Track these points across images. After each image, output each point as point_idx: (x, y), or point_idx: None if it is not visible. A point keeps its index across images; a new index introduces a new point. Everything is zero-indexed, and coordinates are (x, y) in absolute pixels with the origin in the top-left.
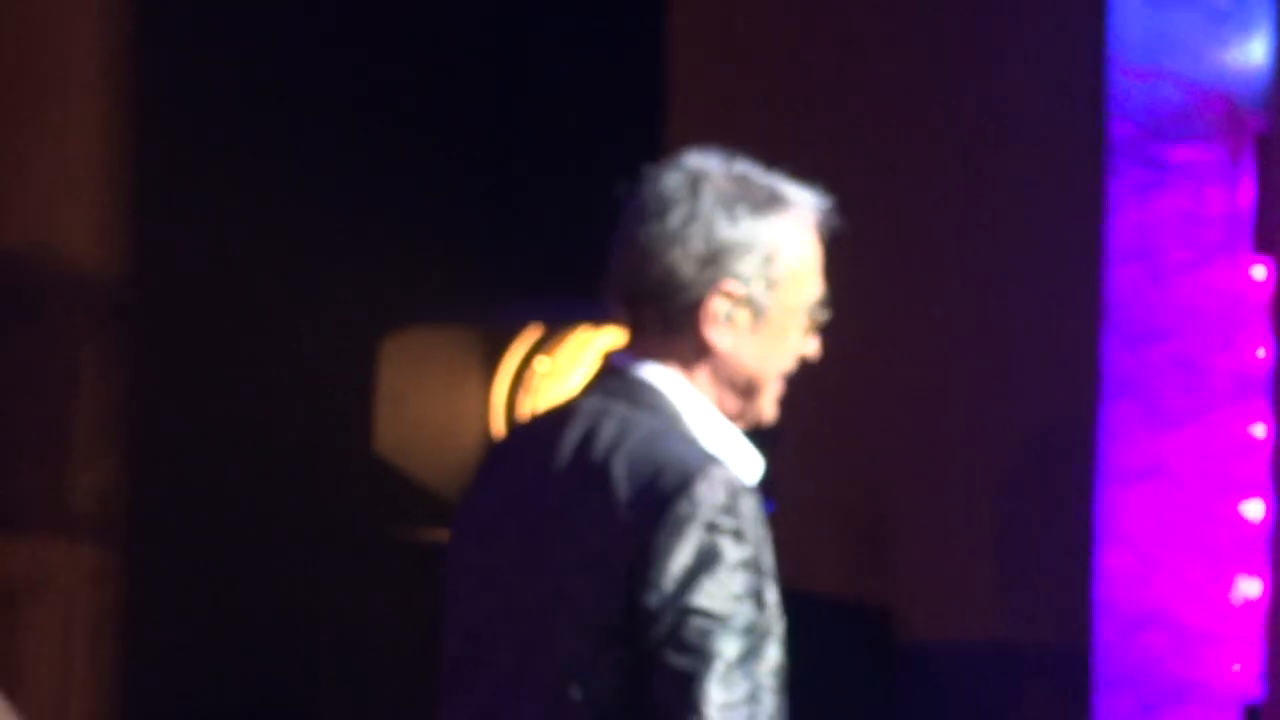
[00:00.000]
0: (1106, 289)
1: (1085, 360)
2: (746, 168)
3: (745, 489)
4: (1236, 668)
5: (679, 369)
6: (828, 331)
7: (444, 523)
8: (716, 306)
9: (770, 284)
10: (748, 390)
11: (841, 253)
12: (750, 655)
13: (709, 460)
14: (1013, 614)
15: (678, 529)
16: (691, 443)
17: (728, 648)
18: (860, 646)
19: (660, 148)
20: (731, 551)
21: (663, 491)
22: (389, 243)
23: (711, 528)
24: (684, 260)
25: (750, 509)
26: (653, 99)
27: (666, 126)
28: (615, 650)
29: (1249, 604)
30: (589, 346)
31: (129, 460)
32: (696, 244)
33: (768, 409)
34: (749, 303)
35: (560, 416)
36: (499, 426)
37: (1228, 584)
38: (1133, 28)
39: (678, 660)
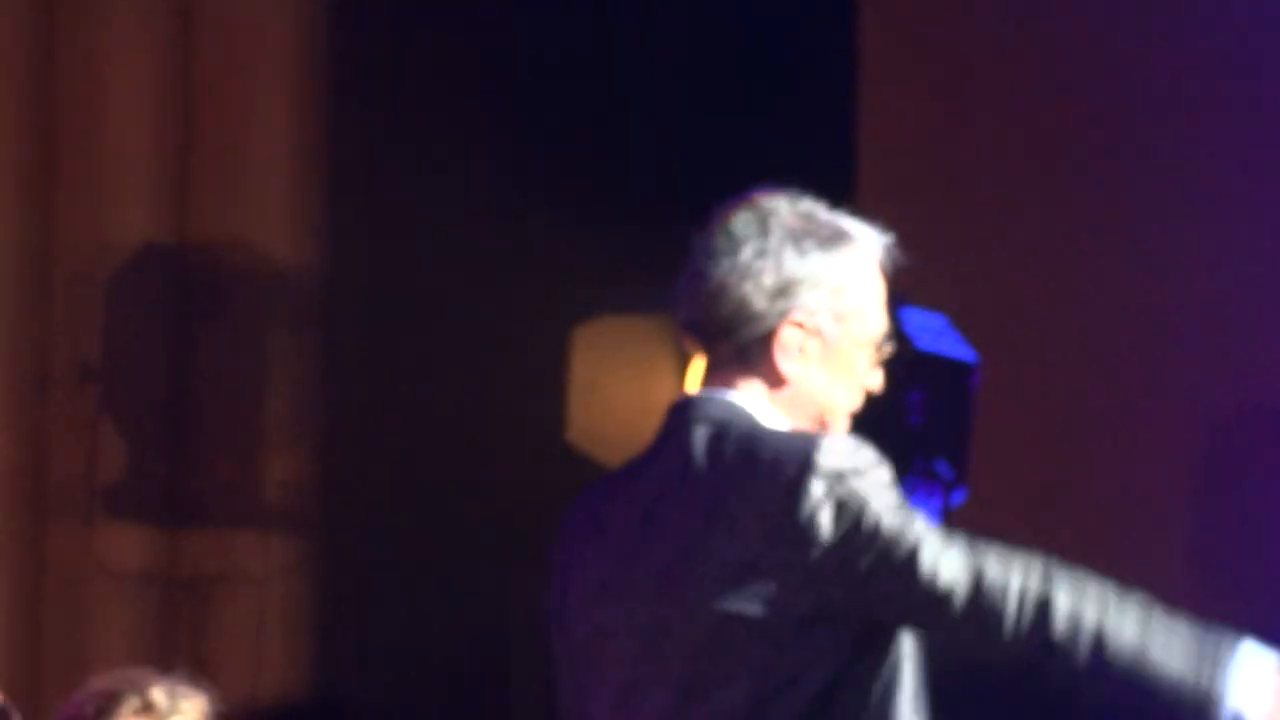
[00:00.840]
0: None
1: None
2: (812, 205)
3: (854, 443)
4: None
5: (756, 398)
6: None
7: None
8: (788, 337)
9: (838, 316)
10: (819, 421)
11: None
12: (937, 535)
13: (810, 437)
14: (1213, 605)
15: (817, 505)
16: (785, 432)
17: (924, 545)
18: None
19: (849, 146)
20: (867, 488)
21: (786, 478)
22: (579, 232)
23: (840, 480)
24: (756, 293)
25: (868, 457)
26: (844, 94)
27: (855, 126)
28: (814, 638)
29: None
30: None
31: (320, 452)
32: (768, 277)
33: None
34: (819, 333)
35: (639, 466)
36: None
37: None
38: None
39: (897, 584)
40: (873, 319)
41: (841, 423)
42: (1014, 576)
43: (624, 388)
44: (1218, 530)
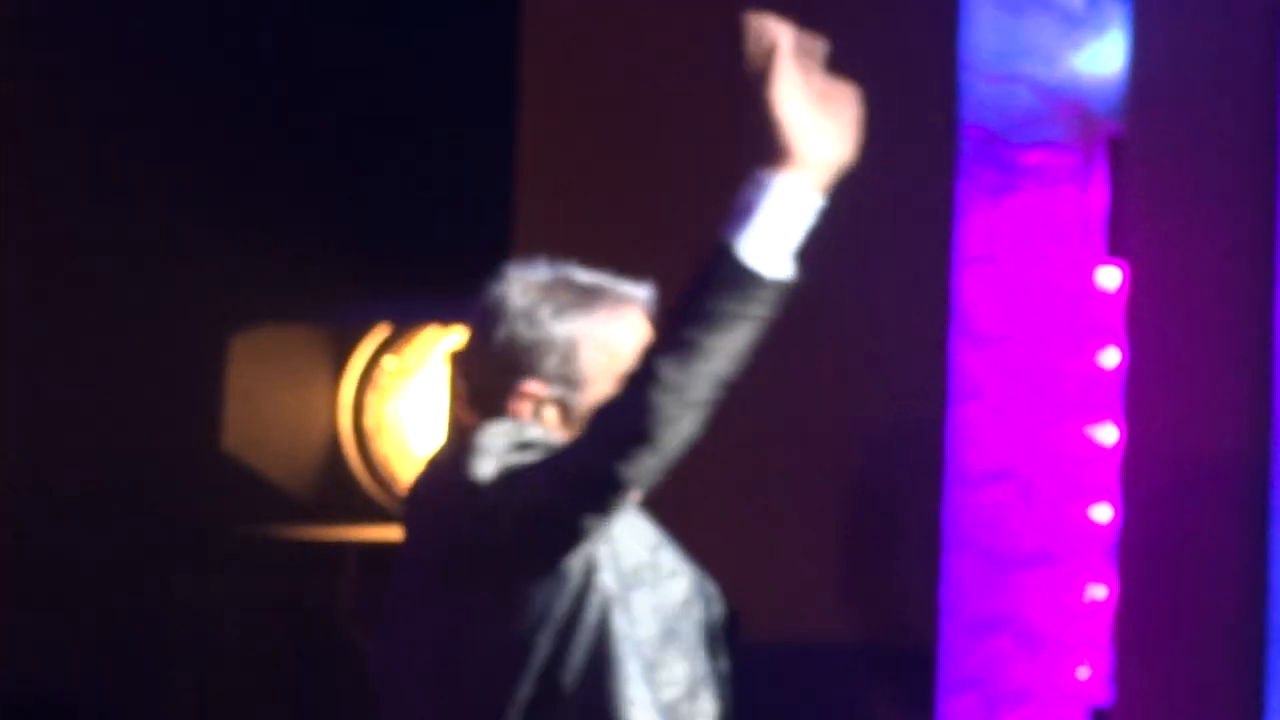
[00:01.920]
0: (955, 292)
1: (934, 363)
2: (569, 272)
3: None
4: (1084, 672)
5: None
6: None
7: (291, 519)
8: (519, 408)
9: (571, 383)
10: None
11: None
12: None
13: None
14: (859, 616)
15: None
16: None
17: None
18: None
19: (512, 144)
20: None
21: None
22: (237, 241)
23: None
24: (487, 369)
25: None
26: (505, 95)
27: (518, 123)
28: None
29: (1097, 607)
30: (437, 345)
31: None
32: (498, 351)
33: None
34: (555, 401)
35: None
36: (346, 424)
37: (1076, 589)
38: (985, 31)
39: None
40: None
41: None
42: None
43: (281, 396)
44: (866, 545)
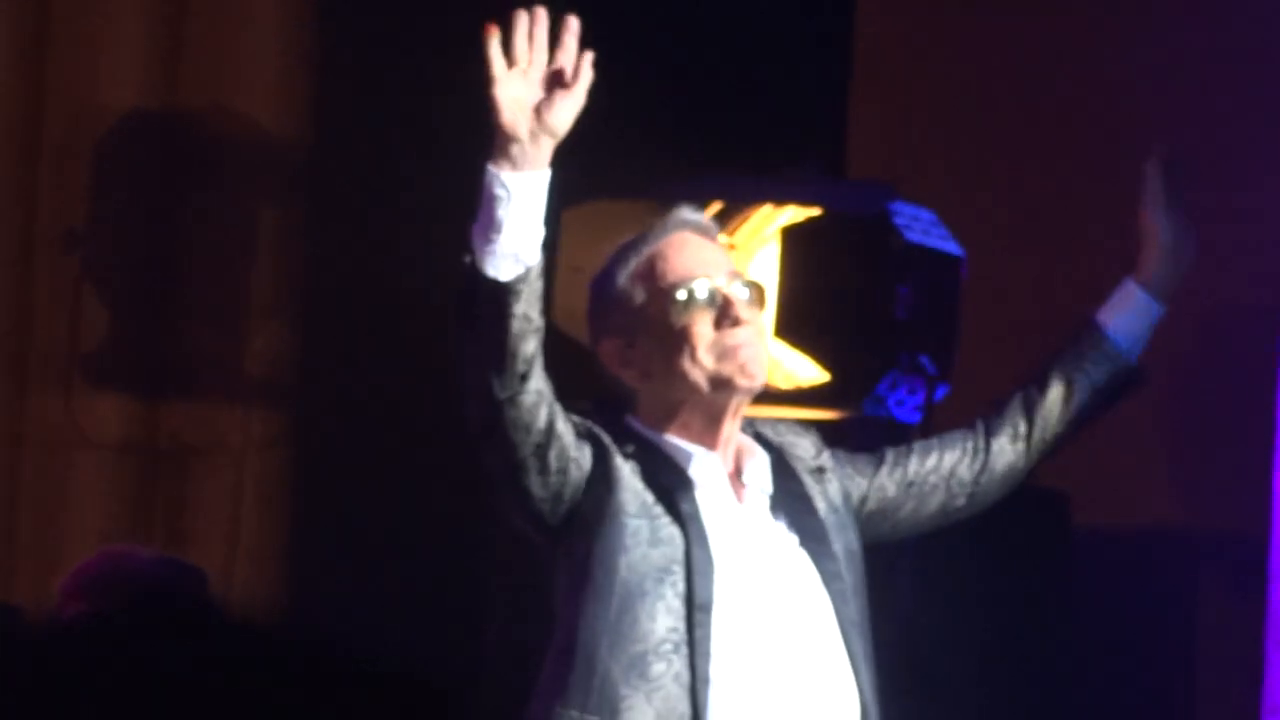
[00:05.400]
0: None
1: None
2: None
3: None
4: None
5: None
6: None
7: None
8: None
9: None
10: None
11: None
12: None
13: None
14: (1189, 498)
15: None
16: None
17: None
18: (1037, 530)
19: (848, 35)
20: None
21: None
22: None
23: None
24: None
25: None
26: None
27: (854, 9)
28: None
29: None
30: (770, 225)
31: (303, 326)
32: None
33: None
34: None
35: None
36: None
37: None
38: None
39: None
40: (676, 294)
41: (710, 389)
42: None
43: None
44: (1196, 428)
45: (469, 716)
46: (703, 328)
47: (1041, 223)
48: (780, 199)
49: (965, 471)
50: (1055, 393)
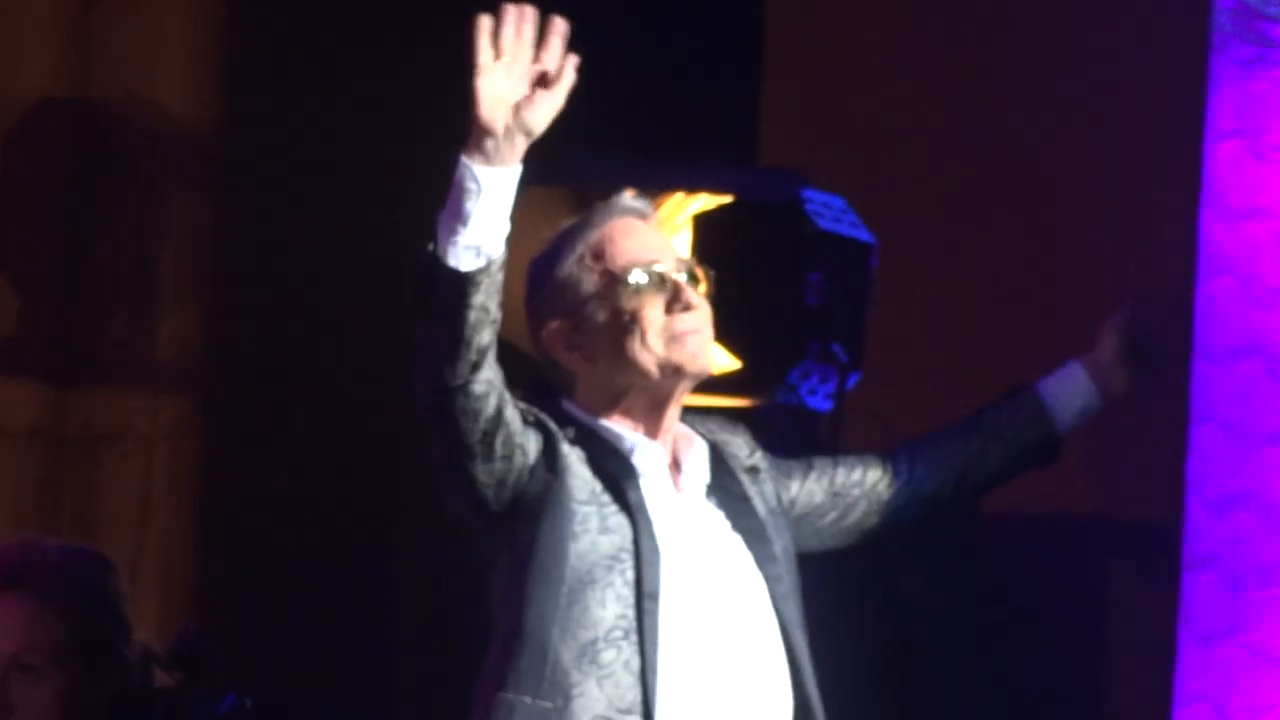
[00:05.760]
0: (1207, 165)
1: (1183, 237)
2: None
3: None
4: None
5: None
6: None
7: (519, 382)
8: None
9: (582, 299)
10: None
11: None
12: None
13: None
14: (1103, 490)
15: None
16: None
17: None
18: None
19: (758, 20)
20: None
21: None
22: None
23: None
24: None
25: None
26: None
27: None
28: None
29: None
30: (681, 212)
31: (213, 312)
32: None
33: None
34: (576, 326)
35: None
36: None
37: None
38: None
39: None
40: (628, 277)
41: (658, 375)
42: None
43: (524, 259)
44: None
45: (389, 704)
46: (653, 312)
47: (952, 210)
48: (691, 186)
49: (885, 491)
50: (977, 446)
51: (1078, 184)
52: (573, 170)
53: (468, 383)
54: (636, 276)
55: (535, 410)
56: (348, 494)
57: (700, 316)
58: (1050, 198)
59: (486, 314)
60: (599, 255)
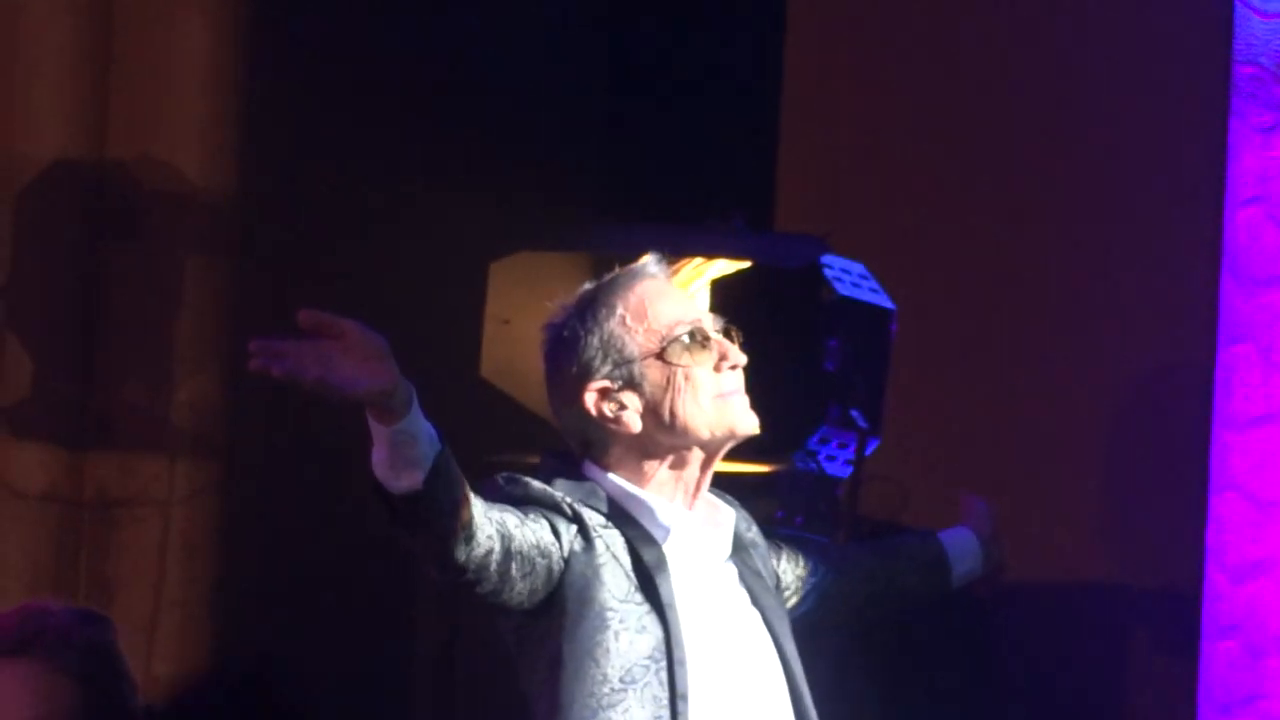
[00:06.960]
0: (1226, 232)
1: (1203, 304)
2: (585, 287)
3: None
4: None
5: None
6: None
7: (543, 448)
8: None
9: (627, 359)
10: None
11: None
12: None
13: None
14: (1124, 559)
15: None
16: None
17: None
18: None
19: (775, 88)
20: None
21: None
22: (499, 166)
23: None
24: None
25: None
26: (771, 41)
27: (782, 63)
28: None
29: None
30: (699, 277)
31: (228, 376)
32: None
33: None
34: (623, 387)
35: None
36: None
37: None
38: None
39: None
40: (678, 333)
41: (708, 435)
42: None
43: (538, 324)
44: (1132, 487)
45: None
46: (703, 370)
47: (973, 276)
48: (710, 251)
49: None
50: (891, 565)
51: (1099, 251)
52: (591, 237)
53: (468, 558)
54: (685, 335)
55: (557, 496)
56: (365, 559)
57: (740, 378)
58: (1070, 266)
59: (454, 500)
60: (640, 315)
